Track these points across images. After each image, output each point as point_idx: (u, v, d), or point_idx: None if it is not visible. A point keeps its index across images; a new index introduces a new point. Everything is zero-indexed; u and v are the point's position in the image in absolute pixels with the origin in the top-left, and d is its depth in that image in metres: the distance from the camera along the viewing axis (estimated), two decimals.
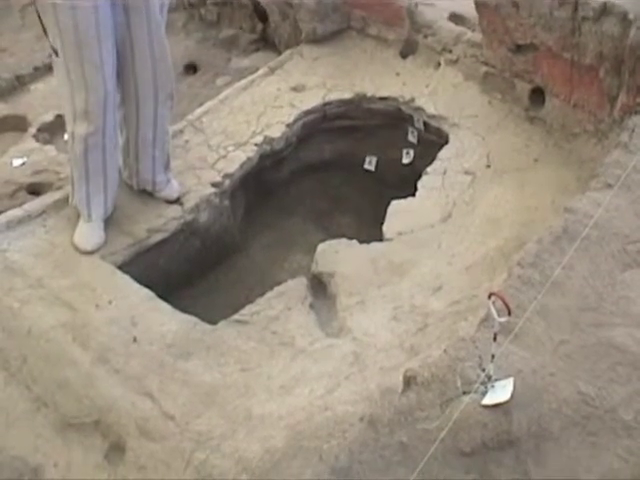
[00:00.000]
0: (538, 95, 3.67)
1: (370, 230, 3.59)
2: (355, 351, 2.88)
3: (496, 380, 2.01)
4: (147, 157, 3.49)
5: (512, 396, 1.99)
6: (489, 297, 1.90)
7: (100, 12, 3.01)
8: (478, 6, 3.65)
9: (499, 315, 1.90)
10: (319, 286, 3.33)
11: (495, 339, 1.95)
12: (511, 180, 3.46)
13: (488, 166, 3.54)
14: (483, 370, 2.03)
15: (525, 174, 3.48)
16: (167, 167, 3.55)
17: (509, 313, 1.86)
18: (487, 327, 2.15)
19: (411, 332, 2.92)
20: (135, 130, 3.44)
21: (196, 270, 3.67)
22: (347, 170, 4.17)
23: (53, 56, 3.17)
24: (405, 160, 4.01)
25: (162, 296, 3.20)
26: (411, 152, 4.00)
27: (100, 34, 3.04)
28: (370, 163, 4.10)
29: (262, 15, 4.67)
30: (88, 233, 3.34)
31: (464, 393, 2.00)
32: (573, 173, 3.40)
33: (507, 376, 2.03)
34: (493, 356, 1.97)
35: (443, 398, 2.02)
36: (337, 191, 4.21)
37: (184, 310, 3.15)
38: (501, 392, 2.00)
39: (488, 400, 1.99)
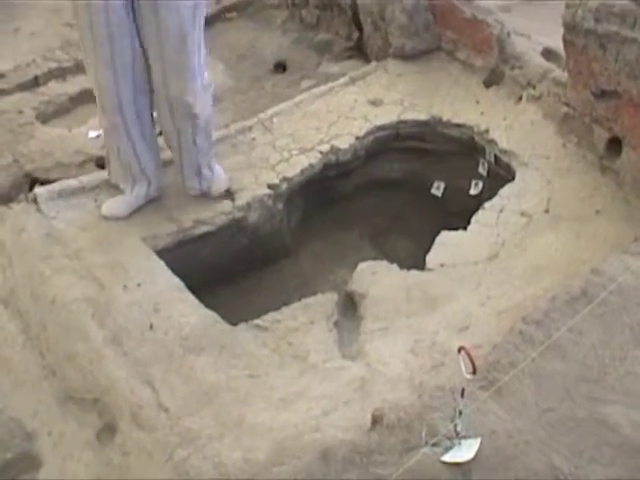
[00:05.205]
0: (615, 145, 3.47)
1: (424, 255, 3.49)
2: (364, 377, 2.82)
3: (464, 437, 1.91)
4: (177, 161, 3.53)
5: (476, 457, 1.89)
6: (459, 351, 1.80)
7: (111, 10, 3.02)
8: (566, 45, 3.50)
9: (466, 370, 1.81)
10: (350, 304, 3.28)
11: (462, 395, 1.85)
12: (567, 229, 3.29)
13: (546, 211, 3.39)
14: (455, 425, 1.93)
15: (583, 225, 3.30)
16: (199, 173, 3.51)
17: (474, 371, 1.77)
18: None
19: (425, 368, 2.83)
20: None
21: (239, 268, 3.66)
22: (412, 192, 4.09)
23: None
24: (473, 191, 3.88)
25: (198, 288, 3.21)
26: (480, 184, 3.87)
27: (112, 33, 3.07)
28: (438, 188, 4.00)
29: (360, 23, 4.62)
30: (117, 201, 3.42)
31: (426, 444, 1.92)
32: (633, 231, 3.21)
33: (476, 435, 1.92)
34: (460, 412, 1.88)
35: (405, 445, 1.94)
36: (398, 211, 4.13)
37: (218, 306, 3.15)
38: (466, 451, 1.90)
39: (449, 457, 1.89)
